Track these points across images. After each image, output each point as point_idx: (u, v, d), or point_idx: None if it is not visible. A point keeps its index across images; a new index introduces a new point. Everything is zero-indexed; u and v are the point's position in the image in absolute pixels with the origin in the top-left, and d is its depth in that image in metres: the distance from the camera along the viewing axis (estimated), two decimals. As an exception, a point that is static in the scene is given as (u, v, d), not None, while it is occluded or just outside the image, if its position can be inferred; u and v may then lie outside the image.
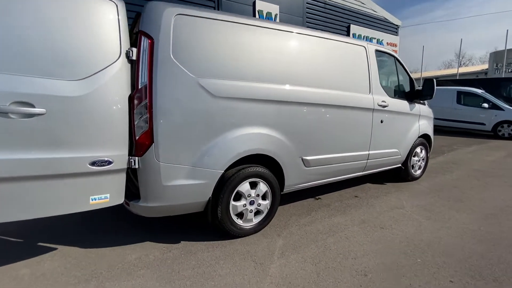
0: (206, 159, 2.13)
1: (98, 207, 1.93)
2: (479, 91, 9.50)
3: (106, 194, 1.93)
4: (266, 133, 2.41)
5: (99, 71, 1.79)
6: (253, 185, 2.45)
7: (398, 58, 3.72)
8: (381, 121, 3.37)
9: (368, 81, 3.22)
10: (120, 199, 2.02)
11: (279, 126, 2.49)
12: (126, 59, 1.91)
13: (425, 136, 4.19)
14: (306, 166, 2.76)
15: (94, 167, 1.83)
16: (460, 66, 29.83)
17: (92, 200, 1.88)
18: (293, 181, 2.73)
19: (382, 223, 2.81)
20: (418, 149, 4.13)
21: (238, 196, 2.38)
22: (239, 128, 2.26)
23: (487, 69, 27.52)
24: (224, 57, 2.21)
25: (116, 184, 1.97)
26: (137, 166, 2.00)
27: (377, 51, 3.37)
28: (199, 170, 2.12)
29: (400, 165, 3.98)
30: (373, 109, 3.24)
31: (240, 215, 2.43)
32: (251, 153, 2.33)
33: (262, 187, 2.48)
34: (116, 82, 1.86)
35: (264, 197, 2.53)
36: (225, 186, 2.25)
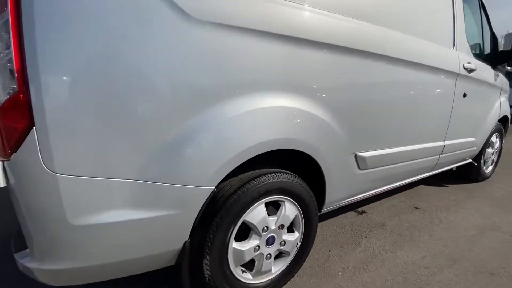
0: (175, 164, 0.96)
1: None
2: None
3: None
4: (300, 107, 1.22)
5: None
6: (272, 207, 1.29)
7: (483, 1, 2.48)
8: (464, 95, 2.18)
9: (452, 28, 2.00)
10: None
11: (325, 95, 1.30)
12: None
13: (502, 120, 3.00)
14: (361, 168, 1.59)
15: None
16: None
17: None
18: (339, 194, 1.57)
19: (487, 264, 1.66)
20: (493, 138, 2.95)
21: (245, 231, 1.23)
22: (246, 95, 1.07)
23: (502, 51, 25.84)
24: None
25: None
26: (2, 184, 0.83)
27: (462, -18, 2.13)
28: (160, 188, 0.95)
29: (471, 160, 2.80)
30: (458, 73, 2.04)
31: (249, 263, 1.28)
32: (269, 149, 1.16)
33: (289, 210, 1.32)
34: None
35: (291, 228, 1.38)
36: (218, 215, 1.09)
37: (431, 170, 2.31)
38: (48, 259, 0.91)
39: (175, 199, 0.98)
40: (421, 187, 2.89)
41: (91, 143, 0.84)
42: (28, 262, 0.93)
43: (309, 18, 1.21)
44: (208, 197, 1.04)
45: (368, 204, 2.43)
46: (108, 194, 0.89)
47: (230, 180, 1.19)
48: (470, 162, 2.80)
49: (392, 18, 1.55)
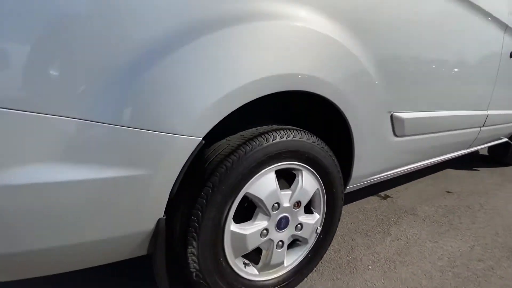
0: (142, 97, 0.61)
1: None
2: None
3: None
4: (333, 36, 0.87)
5: None
6: (285, 181, 0.95)
7: None
8: (511, 55, 1.82)
9: (502, -33, 1.64)
10: None
11: (364, 25, 0.95)
12: None
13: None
14: (396, 134, 1.24)
15: None
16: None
17: None
18: (368, 167, 1.22)
19: (554, 256, 1.31)
20: (531, 114, 2.58)
21: (248, 210, 0.89)
22: (261, 1, 0.72)
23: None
24: None
25: None
26: None
27: None
28: (118, 134, 0.60)
29: (507, 139, 2.44)
30: (507, 26, 1.68)
31: (254, 253, 0.95)
32: (287, 88, 0.81)
33: (308, 182, 0.97)
34: None
35: (309, 208, 1.04)
36: (209, 184, 0.76)
37: (468, 147, 1.95)
38: None
39: (140, 153, 0.63)
40: (449, 170, 2.54)
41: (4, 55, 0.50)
42: None
43: None
44: (193, 152, 0.69)
45: (391, 188, 2.08)
46: (33, 139, 0.55)
47: (226, 138, 0.85)
48: (506, 142, 2.44)
49: None
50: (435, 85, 1.34)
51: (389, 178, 1.49)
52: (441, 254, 1.30)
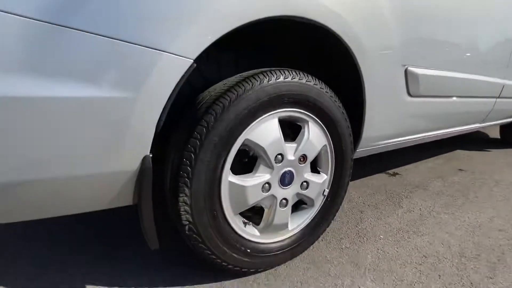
0: (123, 4, 0.51)
1: None
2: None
3: None
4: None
5: None
6: (288, 130, 0.85)
7: None
8: (530, 20, 1.70)
9: None
10: None
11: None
12: None
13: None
14: (410, 94, 1.14)
15: None
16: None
17: None
18: (380, 129, 1.12)
19: None
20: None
21: (246, 160, 0.80)
22: None
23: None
24: None
25: None
26: None
27: None
28: (86, 41, 0.50)
29: (520, 117, 2.33)
30: (527, -14, 1.56)
31: (252, 212, 0.85)
32: (297, 13, 0.71)
33: (315, 135, 0.87)
34: None
35: (314, 167, 0.94)
36: (203, 122, 0.66)
37: (482, 121, 1.84)
38: None
39: (122, 70, 0.53)
40: (458, 151, 2.43)
41: None
42: None
43: None
44: (183, 76, 0.59)
45: (399, 166, 1.98)
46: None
47: (223, 80, 0.76)
48: (519, 121, 2.33)
49: None
50: (453, 43, 1.24)
51: (400, 146, 1.39)
52: (459, 225, 1.20)
